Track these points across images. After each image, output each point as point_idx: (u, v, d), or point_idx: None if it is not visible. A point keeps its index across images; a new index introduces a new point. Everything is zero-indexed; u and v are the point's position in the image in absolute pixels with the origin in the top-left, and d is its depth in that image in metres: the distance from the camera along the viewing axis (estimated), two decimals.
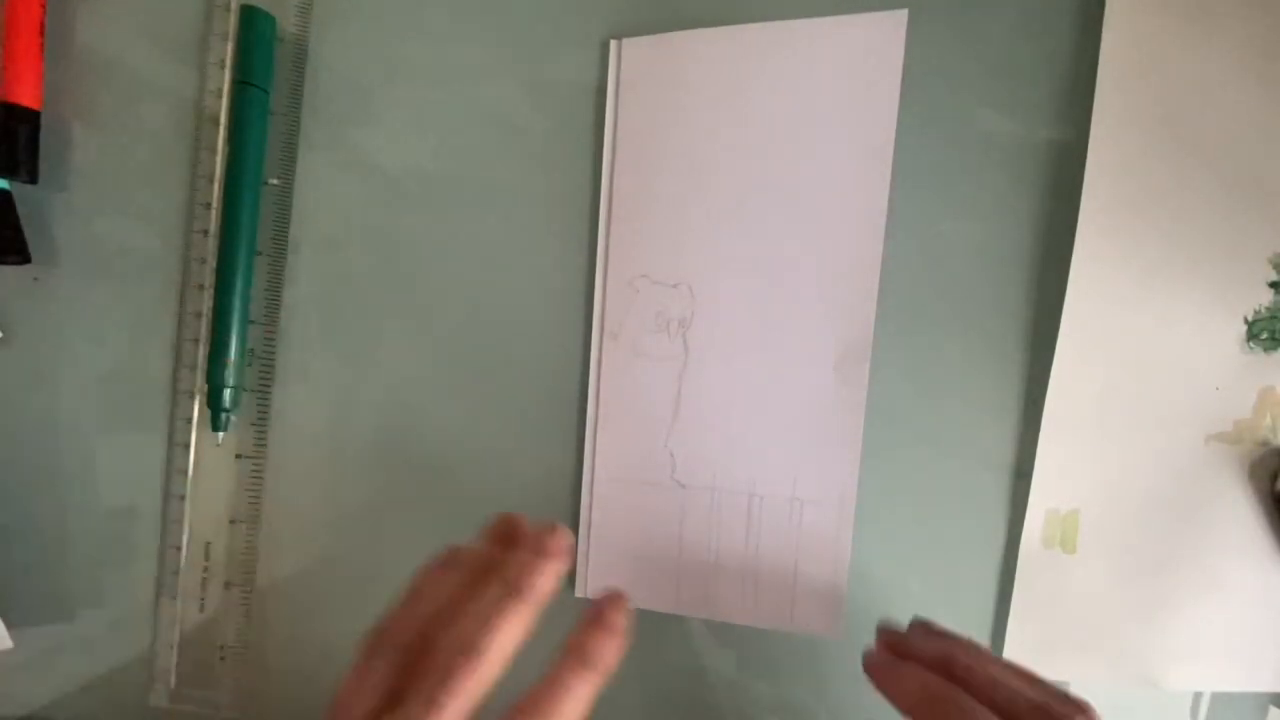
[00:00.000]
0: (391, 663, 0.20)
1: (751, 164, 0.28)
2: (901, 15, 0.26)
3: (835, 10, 0.27)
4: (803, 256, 0.28)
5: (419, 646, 0.20)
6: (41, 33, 0.28)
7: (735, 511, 0.28)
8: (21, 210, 0.28)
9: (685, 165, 0.28)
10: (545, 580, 0.21)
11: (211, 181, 0.29)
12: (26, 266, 0.28)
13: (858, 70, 0.27)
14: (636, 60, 0.28)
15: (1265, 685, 0.31)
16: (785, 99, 0.27)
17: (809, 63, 0.27)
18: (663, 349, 0.29)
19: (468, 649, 0.19)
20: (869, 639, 0.26)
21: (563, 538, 0.22)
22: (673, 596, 0.29)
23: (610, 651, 0.21)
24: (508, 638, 0.20)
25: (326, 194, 0.29)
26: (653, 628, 0.30)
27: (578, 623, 0.22)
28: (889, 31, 0.26)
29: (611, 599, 0.22)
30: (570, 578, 0.30)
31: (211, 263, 0.29)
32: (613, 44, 0.29)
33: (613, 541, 0.29)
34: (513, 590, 0.21)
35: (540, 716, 0.19)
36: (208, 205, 0.29)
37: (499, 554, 0.22)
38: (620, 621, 0.22)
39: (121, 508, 0.29)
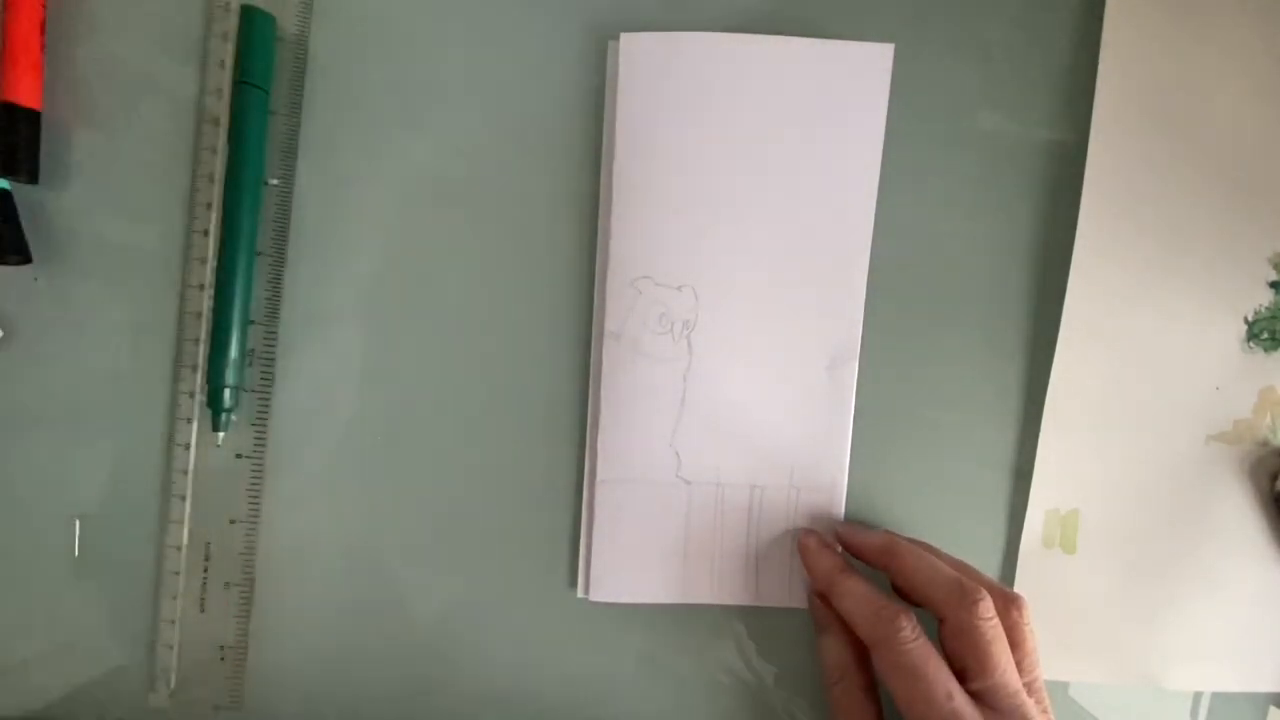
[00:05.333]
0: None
1: (749, 170, 0.28)
2: (888, 48, 0.28)
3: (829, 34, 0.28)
4: (796, 263, 0.29)
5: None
6: (42, 33, 0.28)
7: (738, 503, 0.29)
8: (22, 210, 0.28)
9: (685, 167, 0.28)
10: None
11: (211, 181, 0.29)
12: (26, 266, 0.28)
13: (847, 92, 0.28)
14: (636, 58, 0.28)
15: (1265, 685, 0.31)
16: (779, 110, 0.28)
17: (802, 79, 0.28)
18: (666, 350, 0.29)
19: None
20: None
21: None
22: (678, 587, 0.29)
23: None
24: None
25: (326, 194, 0.29)
26: (656, 620, 0.30)
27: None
28: (876, 61, 0.28)
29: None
30: (571, 578, 0.30)
31: (211, 263, 0.29)
32: (611, 43, 0.29)
33: (616, 540, 0.29)
34: None
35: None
36: (208, 205, 0.29)
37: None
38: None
39: (121, 507, 0.29)
